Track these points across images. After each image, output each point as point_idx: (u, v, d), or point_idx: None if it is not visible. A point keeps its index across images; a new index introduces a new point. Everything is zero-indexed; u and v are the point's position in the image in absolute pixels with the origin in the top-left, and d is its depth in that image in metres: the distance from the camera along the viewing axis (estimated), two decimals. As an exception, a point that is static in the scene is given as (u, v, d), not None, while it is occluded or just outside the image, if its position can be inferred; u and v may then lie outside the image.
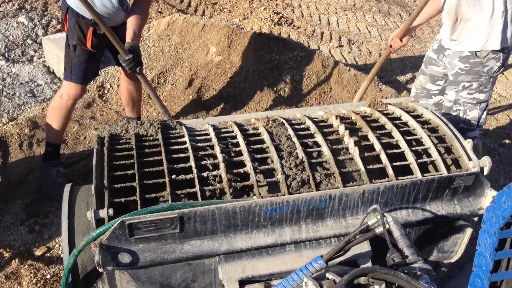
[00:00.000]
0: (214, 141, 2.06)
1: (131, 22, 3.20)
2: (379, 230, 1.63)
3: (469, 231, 2.12)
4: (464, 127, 3.01)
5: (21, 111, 4.10)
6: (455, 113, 3.03)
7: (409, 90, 4.92)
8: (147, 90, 3.63)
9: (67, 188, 2.01)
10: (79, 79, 3.28)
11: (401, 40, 3.26)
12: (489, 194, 2.02)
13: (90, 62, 3.29)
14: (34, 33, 5.22)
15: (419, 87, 3.31)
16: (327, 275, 1.62)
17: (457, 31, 2.94)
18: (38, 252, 2.95)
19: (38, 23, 5.17)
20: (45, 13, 5.54)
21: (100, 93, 4.34)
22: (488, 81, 2.91)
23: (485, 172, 2.03)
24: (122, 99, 3.90)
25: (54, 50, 4.57)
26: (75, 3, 3.08)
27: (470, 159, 2.06)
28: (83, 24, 3.13)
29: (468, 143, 2.13)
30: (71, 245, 1.83)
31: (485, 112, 3.01)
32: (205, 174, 1.90)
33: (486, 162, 2.04)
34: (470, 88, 2.94)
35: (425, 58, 3.26)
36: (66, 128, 3.51)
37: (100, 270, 1.68)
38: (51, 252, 2.98)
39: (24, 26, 5.24)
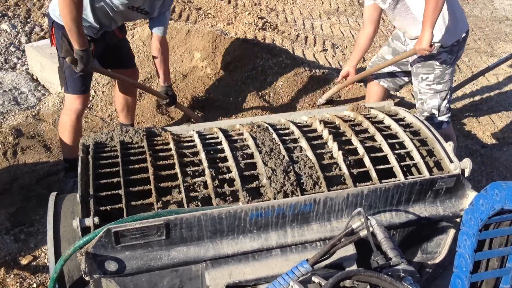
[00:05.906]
0: (199, 147, 2.07)
1: (158, 64, 3.56)
2: (363, 233, 1.66)
3: (452, 232, 2.15)
4: (427, 115, 3.28)
5: (5, 119, 4.07)
6: (420, 102, 3.31)
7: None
8: (187, 113, 4.05)
9: (52, 197, 2.00)
10: (74, 90, 3.25)
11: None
12: (471, 196, 2.05)
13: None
14: (17, 41, 5.18)
15: (379, 56, 3.56)
16: (313, 278, 1.64)
17: (407, 36, 3.28)
18: (24, 261, 2.93)
19: (21, 30, 5.14)
20: (28, 20, 5.50)
21: (85, 100, 4.32)
22: (443, 73, 3.17)
23: (466, 174, 2.07)
24: (116, 105, 3.89)
25: (37, 58, 4.54)
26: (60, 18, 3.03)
27: (451, 161, 2.10)
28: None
29: (449, 146, 2.16)
30: (57, 254, 1.82)
31: (446, 100, 3.26)
32: (190, 180, 1.91)
33: (467, 164, 2.07)
34: (427, 80, 3.21)
35: (394, 33, 3.51)
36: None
37: (87, 278, 1.68)
38: (37, 261, 2.96)
39: (6, 33, 5.20)
